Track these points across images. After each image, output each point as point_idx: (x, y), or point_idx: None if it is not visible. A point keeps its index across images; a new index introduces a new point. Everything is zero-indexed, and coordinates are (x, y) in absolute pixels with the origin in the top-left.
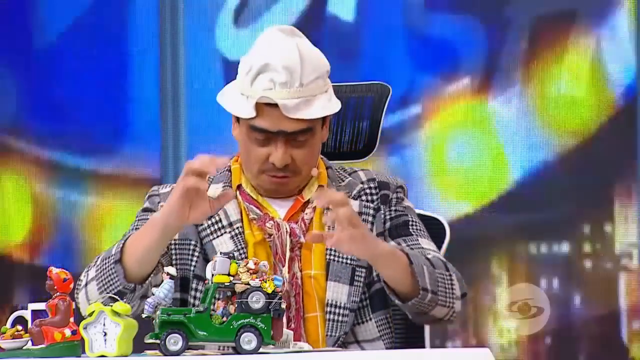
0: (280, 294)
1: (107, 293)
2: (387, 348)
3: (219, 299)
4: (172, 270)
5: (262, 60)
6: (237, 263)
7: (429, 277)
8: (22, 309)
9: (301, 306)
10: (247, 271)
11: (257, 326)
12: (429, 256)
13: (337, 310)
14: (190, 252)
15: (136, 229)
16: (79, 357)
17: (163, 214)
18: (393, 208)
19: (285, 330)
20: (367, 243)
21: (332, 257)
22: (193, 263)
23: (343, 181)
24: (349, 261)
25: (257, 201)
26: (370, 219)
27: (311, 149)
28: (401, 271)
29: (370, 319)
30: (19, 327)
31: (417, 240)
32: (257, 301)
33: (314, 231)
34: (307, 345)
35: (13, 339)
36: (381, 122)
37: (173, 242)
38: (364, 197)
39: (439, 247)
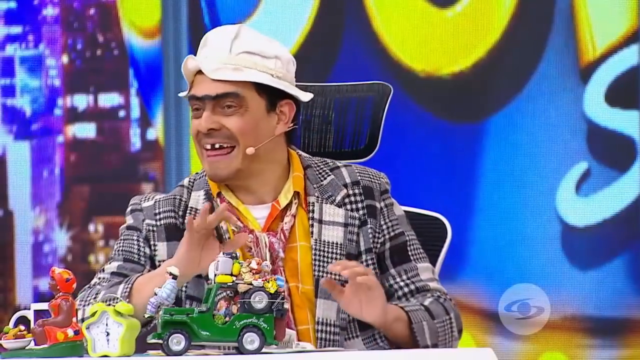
0: (282, 293)
1: None
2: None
3: (221, 299)
4: (174, 270)
5: (205, 38)
6: (239, 263)
7: (430, 333)
8: (24, 309)
9: (291, 319)
10: (250, 271)
11: (260, 326)
12: (426, 302)
13: (328, 329)
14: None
15: (122, 250)
16: (82, 357)
17: (176, 259)
18: (389, 223)
19: (287, 330)
20: (380, 309)
21: (321, 274)
22: (184, 283)
23: (324, 179)
24: (337, 277)
25: (237, 209)
26: (355, 230)
27: (244, 119)
28: (403, 332)
29: (357, 336)
30: (22, 327)
31: (417, 268)
32: (259, 301)
33: (328, 280)
34: (310, 345)
35: (16, 339)
36: (382, 122)
37: (162, 260)
38: (348, 206)
39: (440, 247)
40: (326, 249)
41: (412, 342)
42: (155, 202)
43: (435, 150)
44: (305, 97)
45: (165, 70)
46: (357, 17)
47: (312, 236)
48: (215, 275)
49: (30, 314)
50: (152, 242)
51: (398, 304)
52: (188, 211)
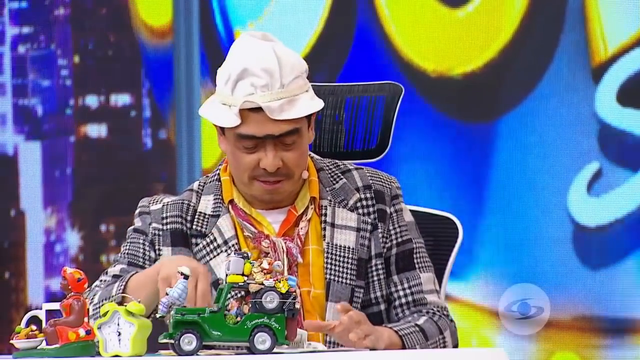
0: (294, 294)
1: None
2: None
3: (232, 299)
4: (186, 270)
5: (240, 67)
6: (251, 263)
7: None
8: (36, 308)
9: (302, 325)
10: (261, 271)
11: (271, 326)
12: (421, 321)
13: None
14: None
15: (127, 253)
16: (93, 357)
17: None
18: (398, 229)
19: (299, 330)
20: (373, 342)
21: (332, 277)
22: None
23: (337, 183)
24: (348, 281)
25: (250, 216)
26: (367, 234)
27: (300, 150)
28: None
29: None
30: (33, 327)
31: (420, 277)
32: (271, 301)
33: (312, 322)
34: (321, 345)
35: (27, 338)
36: (393, 122)
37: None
38: (360, 210)
39: (452, 247)
40: (338, 253)
41: None
42: (163, 205)
43: (446, 150)
44: (321, 104)
45: (176, 70)
46: (369, 17)
47: (324, 239)
48: (226, 275)
49: (42, 314)
50: (157, 247)
51: (393, 327)
52: (197, 216)
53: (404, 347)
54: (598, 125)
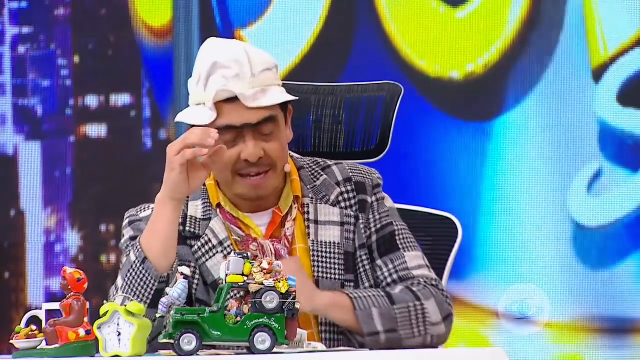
0: (294, 294)
1: (145, 299)
2: None
3: (232, 299)
4: (186, 270)
5: (209, 62)
6: (251, 263)
7: (381, 319)
8: (36, 308)
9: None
10: (261, 271)
11: (271, 326)
12: (396, 290)
13: (332, 329)
14: (190, 277)
15: None
16: (93, 357)
17: (167, 192)
18: (377, 216)
19: (299, 330)
20: (303, 295)
21: (320, 274)
22: (194, 287)
23: (317, 180)
24: (337, 276)
25: (238, 219)
26: (352, 228)
27: (280, 142)
28: (347, 318)
29: None
30: (33, 327)
31: (404, 256)
32: (271, 301)
33: None
34: (321, 345)
35: (27, 338)
36: (393, 122)
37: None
38: (342, 204)
39: (451, 247)
40: (324, 249)
41: (359, 328)
42: (152, 211)
43: (446, 150)
44: (294, 98)
45: (176, 70)
46: (368, 17)
47: (309, 237)
48: (226, 275)
49: (41, 314)
50: None
51: (345, 291)
52: (188, 219)
53: (354, 309)
54: (598, 125)
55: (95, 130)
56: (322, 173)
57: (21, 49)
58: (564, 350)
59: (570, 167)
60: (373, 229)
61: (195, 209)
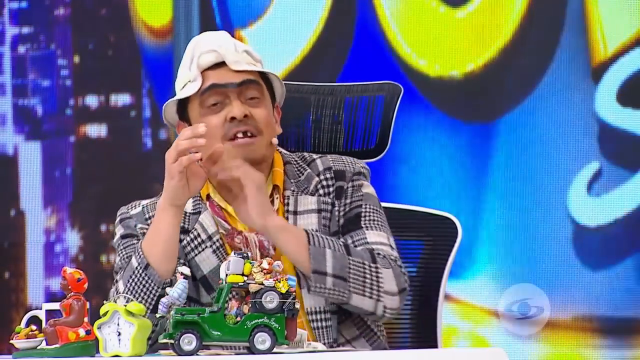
0: (294, 293)
1: (148, 305)
2: (372, 346)
3: (232, 299)
4: (186, 270)
5: (193, 45)
6: (251, 263)
7: (333, 261)
8: (36, 308)
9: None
10: (261, 271)
11: (271, 326)
12: (358, 248)
13: (319, 317)
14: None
15: (127, 255)
16: (93, 356)
17: (168, 199)
18: (348, 201)
19: (299, 330)
20: (256, 209)
21: None
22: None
23: (302, 174)
24: None
25: (225, 211)
26: (328, 215)
27: (266, 111)
28: (297, 250)
29: (348, 317)
30: (33, 327)
31: (365, 234)
32: (270, 301)
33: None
34: (321, 345)
35: (27, 338)
36: (393, 122)
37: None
38: (320, 191)
39: (451, 247)
40: None
41: (307, 264)
42: (142, 207)
43: (446, 149)
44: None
45: (176, 70)
46: (368, 17)
47: None
48: (226, 275)
49: (41, 314)
50: None
51: (305, 230)
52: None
53: (308, 243)
54: (598, 125)
55: (95, 130)
56: (307, 168)
57: (21, 49)
58: (564, 350)
59: (570, 167)
60: (342, 213)
61: (187, 204)
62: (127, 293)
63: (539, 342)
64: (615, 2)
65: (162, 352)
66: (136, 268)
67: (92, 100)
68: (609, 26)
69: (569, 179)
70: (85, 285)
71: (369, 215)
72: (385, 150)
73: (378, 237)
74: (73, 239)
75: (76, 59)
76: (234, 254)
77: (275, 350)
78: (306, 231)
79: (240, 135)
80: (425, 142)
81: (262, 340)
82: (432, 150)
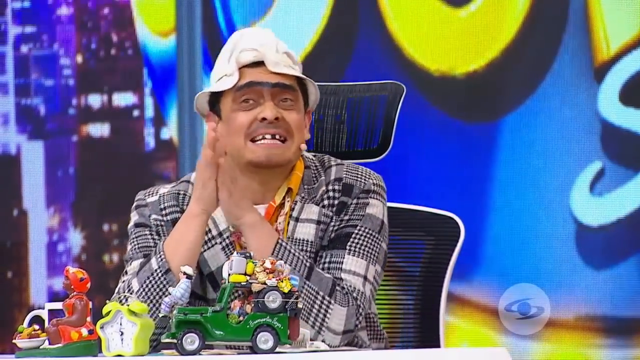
0: (296, 293)
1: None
2: (374, 345)
3: (235, 299)
4: (188, 269)
5: (236, 37)
6: (253, 263)
7: None
8: (38, 308)
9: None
10: (264, 271)
11: (274, 326)
12: (326, 274)
13: None
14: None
15: (139, 247)
16: (96, 356)
17: (200, 206)
18: (346, 217)
19: (301, 329)
20: (234, 200)
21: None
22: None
23: (316, 182)
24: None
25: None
26: (325, 227)
27: (298, 116)
28: (258, 252)
29: None
30: (36, 327)
31: (344, 258)
32: (273, 301)
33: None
34: (324, 344)
35: (30, 338)
36: (395, 121)
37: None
38: (325, 202)
39: (454, 247)
40: (298, 247)
41: None
42: (159, 197)
43: (449, 149)
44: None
45: (179, 70)
46: (371, 16)
47: (287, 234)
48: (229, 274)
49: (44, 314)
50: (163, 237)
51: (279, 235)
52: None
53: (272, 252)
54: (600, 124)
55: (98, 130)
56: (322, 174)
57: (24, 49)
58: (567, 350)
59: (573, 166)
60: (335, 228)
61: None
62: (141, 292)
63: (541, 342)
64: (617, 1)
65: (165, 351)
66: (155, 270)
67: (94, 100)
68: (611, 25)
69: (571, 179)
70: (88, 285)
71: (359, 239)
72: (388, 150)
73: (355, 266)
74: (76, 239)
75: (79, 58)
76: (237, 253)
77: (277, 349)
78: (279, 239)
79: (268, 137)
80: (427, 142)
81: (265, 339)
82: (435, 150)
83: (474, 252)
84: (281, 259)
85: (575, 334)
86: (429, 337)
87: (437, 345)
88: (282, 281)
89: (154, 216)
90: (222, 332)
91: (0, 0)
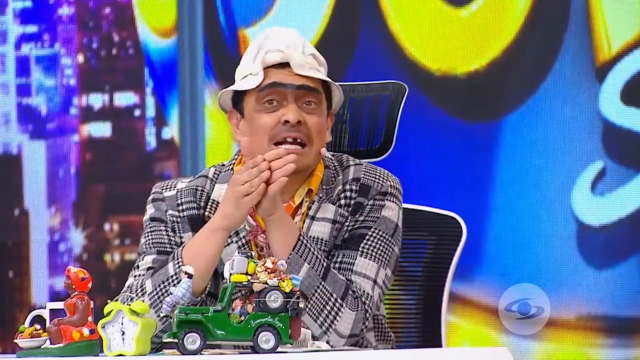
0: (297, 293)
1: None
2: (381, 347)
3: (236, 299)
4: (190, 269)
5: (263, 36)
6: (255, 262)
7: (304, 277)
8: (40, 308)
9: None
10: (265, 270)
11: (275, 325)
12: (339, 275)
13: None
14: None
15: (153, 242)
16: (97, 356)
17: (226, 224)
18: (361, 218)
19: (303, 329)
20: (265, 203)
21: None
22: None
23: (334, 182)
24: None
25: (253, 208)
26: (339, 227)
27: (320, 120)
28: (279, 247)
29: None
30: (37, 326)
31: (355, 259)
32: (274, 300)
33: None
34: (325, 344)
35: (31, 337)
36: (397, 121)
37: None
38: (342, 201)
39: (456, 247)
40: None
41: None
42: (177, 192)
43: (450, 149)
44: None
45: (180, 69)
46: (373, 16)
47: (302, 232)
48: (230, 274)
49: (45, 313)
50: (178, 233)
51: (300, 232)
52: (210, 203)
53: (293, 249)
54: (602, 124)
55: (99, 130)
56: (340, 174)
57: (25, 48)
58: (568, 350)
59: (574, 166)
60: (349, 228)
61: (220, 192)
62: (154, 297)
63: (542, 341)
64: (619, 0)
65: (166, 351)
66: (171, 276)
67: (96, 100)
68: (613, 25)
69: (572, 178)
70: (89, 285)
71: (372, 241)
72: (390, 150)
73: (366, 269)
74: (77, 238)
75: (80, 58)
76: (238, 253)
77: (279, 349)
78: (300, 236)
79: (290, 140)
80: (429, 142)
81: (266, 339)
82: (437, 149)
83: (476, 252)
84: (301, 256)
85: (577, 334)
86: (430, 337)
87: (439, 345)
88: (283, 281)
89: (170, 212)
90: (223, 332)
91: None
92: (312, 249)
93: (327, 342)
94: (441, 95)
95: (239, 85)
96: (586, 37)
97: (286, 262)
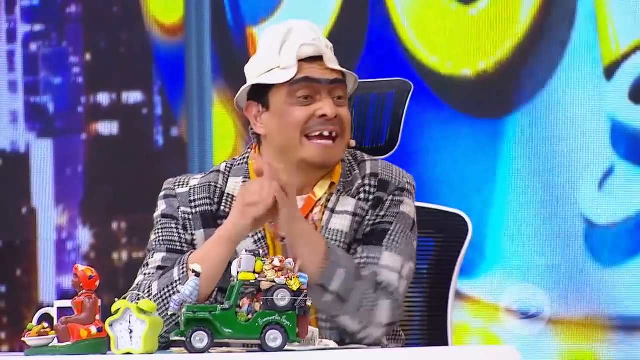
0: (305, 291)
1: (176, 319)
2: (392, 346)
3: (244, 296)
4: (197, 267)
5: (284, 30)
6: (262, 260)
7: (341, 281)
8: (47, 306)
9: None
10: (273, 268)
11: (283, 324)
12: (365, 270)
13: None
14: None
15: (163, 240)
16: (105, 354)
17: (233, 235)
18: (382, 213)
19: (310, 327)
20: (288, 209)
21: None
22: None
23: (351, 175)
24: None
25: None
26: (360, 220)
27: (348, 112)
28: (311, 258)
29: None
30: (45, 325)
31: (381, 253)
32: (282, 298)
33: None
34: (333, 342)
35: (39, 336)
36: (403, 119)
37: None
38: (362, 195)
39: (462, 244)
40: (331, 237)
41: (315, 274)
42: (190, 188)
43: (457, 147)
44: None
45: (188, 68)
46: (380, 14)
47: (322, 224)
48: (238, 272)
49: (53, 311)
50: (189, 230)
51: (323, 238)
52: (225, 197)
53: (326, 259)
54: (609, 122)
55: (107, 128)
56: (357, 168)
57: (33, 47)
58: (575, 348)
59: (582, 164)
60: (371, 222)
61: (234, 186)
62: (158, 300)
63: (550, 339)
64: None
65: (174, 349)
66: (175, 281)
67: (103, 98)
68: (620, 24)
69: (580, 176)
70: (97, 283)
71: (395, 236)
72: (396, 147)
73: (392, 262)
74: (84, 237)
75: (88, 56)
76: (245, 251)
77: (286, 347)
78: (327, 244)
79: (326, 133)
80: (435, 140)
81: (274, 337)
82: (443, 147)
83: (482, 250)
84: (336, 263)
85: (584, 331)
86: (437, 335)
87: (446, 343)
88: (290, 279)
89: (182, 209)
90: (230, 330)
91: None
92: (341, 254)
93: (367, 337)
94: (448, 93)
95: (267, 79)
96: (594, 35)
97: (319, 273)
